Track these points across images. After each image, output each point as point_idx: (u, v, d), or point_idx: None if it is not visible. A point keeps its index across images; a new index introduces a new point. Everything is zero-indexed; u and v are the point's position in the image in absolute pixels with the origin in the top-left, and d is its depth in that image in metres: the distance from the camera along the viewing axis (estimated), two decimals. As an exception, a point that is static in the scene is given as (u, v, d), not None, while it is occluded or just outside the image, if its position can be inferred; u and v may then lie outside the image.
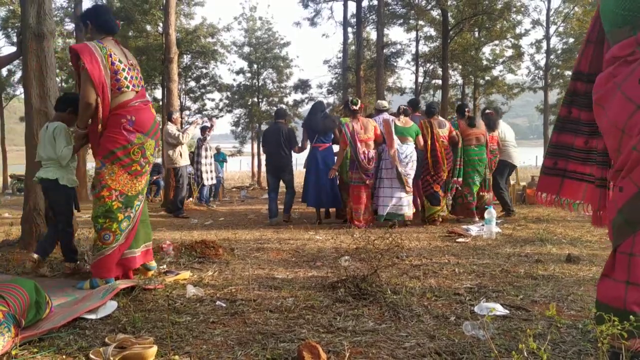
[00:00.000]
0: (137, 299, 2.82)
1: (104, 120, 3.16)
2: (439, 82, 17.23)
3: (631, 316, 1.50)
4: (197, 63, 18.28)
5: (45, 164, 3.51)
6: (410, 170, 6.13)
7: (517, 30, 16.02)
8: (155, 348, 1.99)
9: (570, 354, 1.98)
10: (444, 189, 6.39)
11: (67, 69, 16.62)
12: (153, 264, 3.49)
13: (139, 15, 15.22)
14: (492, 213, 5.28)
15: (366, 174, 6.08)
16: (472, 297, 2.85)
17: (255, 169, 20.99)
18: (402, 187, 6.04)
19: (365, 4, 15.79)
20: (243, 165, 28.92)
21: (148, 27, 16.16)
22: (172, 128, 7.82)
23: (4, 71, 17.02)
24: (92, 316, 2.47)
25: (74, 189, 3.60)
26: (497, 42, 16.83)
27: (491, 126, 6.76)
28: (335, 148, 6.87)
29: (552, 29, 14.25)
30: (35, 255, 3.55)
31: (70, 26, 15.70)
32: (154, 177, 11.27)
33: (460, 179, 6.39)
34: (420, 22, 17.05)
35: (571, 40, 15.18)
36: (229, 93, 20.12)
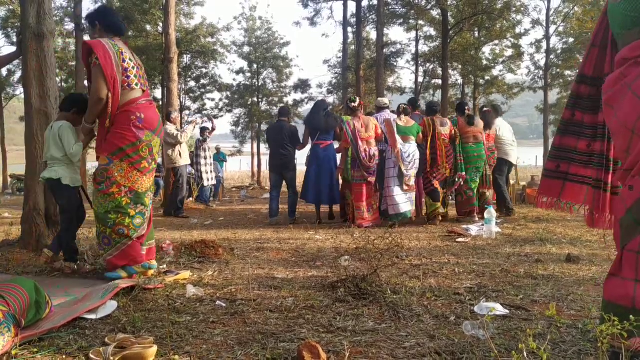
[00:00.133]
0: (137, 298, 2.82)
1: (112, 116, 3.20)
2: (439, 81, 17.22)
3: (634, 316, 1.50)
4: (197, 63, 18.28)
5: (50, 164, 3.57)
6: (413, 168, 6.18)
7: (517, 30, 16.01)
8: (155, 348, 1.99)
9: (570, 354, 1.98)
10: (443, 185, 6.48)
11: (67, 69, 16.63)
12: (154, 263, 3.50)
13: (139, 15, 15.22)
14: (492, 213, 5.29)
15: (368, 171, 6.10)
16: (472, 297, 2.85)
17: (255, 168, 20.99)
18: (402, 185, 6.08)
19: (365, 3, 15.80)
20: (243, 165, 28.92)
21: (148, 27, 16.16)
22: (170, 128, 7.82)
23: (4, 71, 17.04)
24: (92, 316, 2.47)
25: (77, 188, 3.62)
26: (497, 42, 16.82)
27: (487, 124, 6.87)
28: (336, 145, 6.90)
29: (552, 28, 14.25)
30: (47, 251, 3.61)
31: (70, 26, 15.69)
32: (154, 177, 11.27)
33: (464, 173, 6.49)
34: (420, 22, 17.03)
35: (571, 40, 15.17)
36: (228, 93, 20.12)
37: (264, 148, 20.58)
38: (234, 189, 16.19)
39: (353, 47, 16.23)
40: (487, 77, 17.37)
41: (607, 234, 4.86)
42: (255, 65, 20.17)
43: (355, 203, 6.17)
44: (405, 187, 6.10)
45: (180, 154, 7.94)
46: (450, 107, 15.43)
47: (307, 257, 4.23)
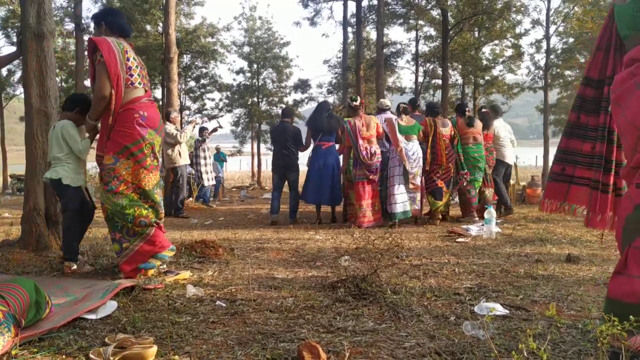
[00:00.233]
0: (137, 298, 2.82)
1: (115, 112, 3.24)
2: (439, 81, 17.21)
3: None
4: (197, 63, 18.28)
5: (53, 164, 3.61)
6: (417, 166, 6.22)
7: (517, 30, 15.99)
8: (155, 348, 1.99)
9: (570, 354, 1.98)
10: (448, 185, 6.53)
11: (67, 69, 16.62)
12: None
13: (139, 15, 15.23)
14: (492, 213, 5.30)
15: (369, 169, 6.10)
16: (472, 297, 2.85)
17: (255, 168, 20.98)
18: (408, 184, 6.11)
19: (365, 3, 15.80)
20: (243, 165, 28.91)
21: (148, 27, 16.17)
22: (170, 127, 7.83)
23: (4, 71, 17.03)
24: (92, 316, 2.47)
25: (79, 187, 3.62)
26: (497, 42, 16.79)
27: (486, 125, 6.94)
28: (337, 146, 6.92)
29: (552, 28, 14.21)
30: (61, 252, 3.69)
31: (70, 26, 15.70)
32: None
33: (467, 172, 6.53)
34: (420, 22, 17.02)
35: (571, 40, 15.15)
36: (228, 93, 20.11)
37: (264, 148, 20.62)
38: (234, 189, 16.19)
39: (353, 47, 16.23)
40: (487, 77, 17.35)
41: (607, 234, 4.86)
42: (255, 65, 20.16)
43: (356, 202, 6.17)
44: (411, 186, 6.13)
45: (179, 154, 7.94)
46: (450, 107, 15.42)
47: (307, 257, 4.24)
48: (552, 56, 14.19)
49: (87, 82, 13.07)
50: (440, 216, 6.44)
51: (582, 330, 2.24)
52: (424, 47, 18.21)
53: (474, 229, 5.52)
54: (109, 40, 3.23)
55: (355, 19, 14.94)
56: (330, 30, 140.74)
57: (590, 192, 2.11)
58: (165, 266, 3.66)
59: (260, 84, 20.26)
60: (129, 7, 14.79)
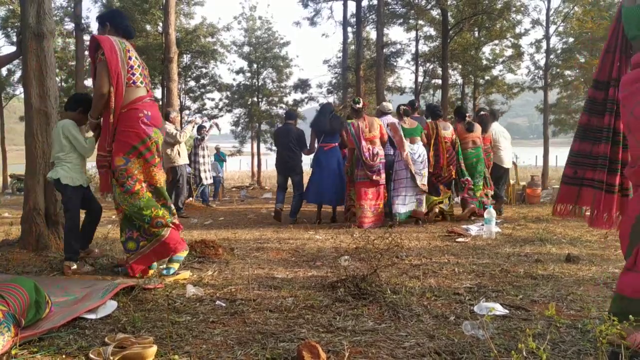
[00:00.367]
0: (137, 298, 2.82)
1: (117, 111, 3.25)
2: (439, 81, 17.22)
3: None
4: (196, 63, 18.30)
5: (56, 164, 3.63)
6: (424, 168, 6.26)
7: (517, 30, 16.00)
8: (155, 348, 1.99)
9: (570, 354, 1.98)
10: (448, 187, 6.60)
11: (67, 69, 16.63)
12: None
13: (139, 14, 15.24)
14: (491, 213, 5.30)
15: (371, 170, 6.10)
16: (472, 296, 2.85)
17: (255, 168, 20.98)
18: (416, 187, 6.15)
19: (365, 3, 15.81)
20: (243, 165, 28.92)
21: (148, 27, 16.18)
22: (169, 127, 7.83)
23: (4, 71, 17.04)
24: (92, 316, 2.47)
25: (80, 187, 3.62)
26: (497, 41, 16.80)
27: (484, 128, 7.03)
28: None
29: (552, 28, 14.21)
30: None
31: (70, 26, 15.70)
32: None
33: (469, 179, 6.57)
34: (420, 22, 17.03)
35: (571, 40, 15.15)
36: (228, 93, 20.13)
37: (264, 148, 20.63)
38: (234, 189, 16.19)
39: (353, 47, 16.24)
40: (487, 77, 17.36)
41: (607, 234, 4.86)
42: (255, 65, 20.17)
43: (357, 202, 6.18)
44: (421, 188, 6.17)
45: (179, 153, 7.94)
46: (450, 107, 15.43)
47: (307, 257, 4.24)
48: (552, 56, 14.19)
49: (87, 82, 13.10)
50: (436, 210, 6.48)
51: (582, 330, 2.24)
52: (423, 47, 18.24)
53: (473, 229, 5.53)
54: (111, 39, 3.25)
55: (355, 19, 14.95)
56: (330, 30, 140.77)
57: (595, 193, 2.12)
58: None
59: (260, 84, 20.27)
60: (129, 7, 14.80)
